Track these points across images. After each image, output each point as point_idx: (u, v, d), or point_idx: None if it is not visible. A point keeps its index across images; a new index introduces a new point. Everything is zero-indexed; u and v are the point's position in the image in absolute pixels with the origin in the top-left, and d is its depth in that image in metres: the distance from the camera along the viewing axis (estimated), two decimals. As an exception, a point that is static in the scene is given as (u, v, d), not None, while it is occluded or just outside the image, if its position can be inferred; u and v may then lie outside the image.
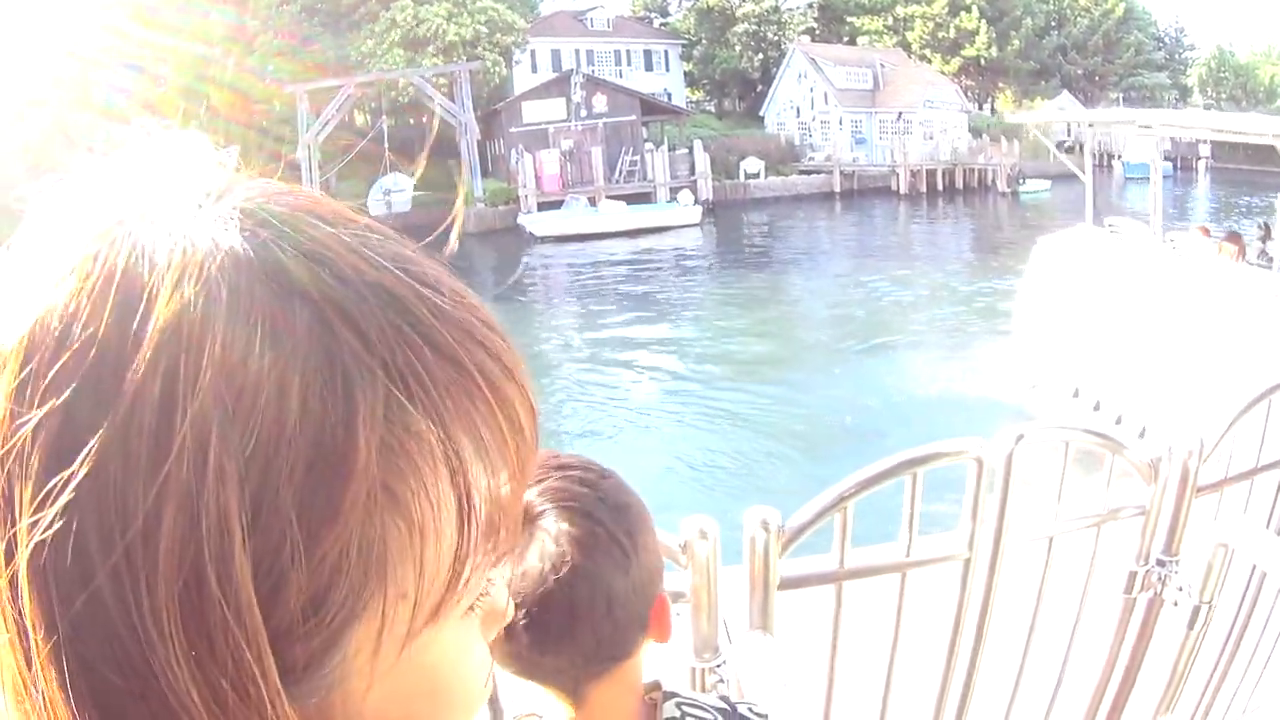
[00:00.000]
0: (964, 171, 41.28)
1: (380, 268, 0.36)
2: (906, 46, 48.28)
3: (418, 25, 35.60)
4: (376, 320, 0.34)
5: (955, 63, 50.34)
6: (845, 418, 12.69)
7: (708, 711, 0.96)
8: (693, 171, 35.83)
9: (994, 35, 51.54)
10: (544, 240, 31.25)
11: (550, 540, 0.85)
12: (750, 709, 0.99)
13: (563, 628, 0.86)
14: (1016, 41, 52.86)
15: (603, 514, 0.88)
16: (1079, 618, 1.93)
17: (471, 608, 0.43)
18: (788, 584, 1.63)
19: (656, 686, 0.97)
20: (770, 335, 18.78)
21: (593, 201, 33.59)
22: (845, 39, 47.24)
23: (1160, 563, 1.92)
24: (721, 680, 1.52)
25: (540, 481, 0.88)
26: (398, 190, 36.70)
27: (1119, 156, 44.36)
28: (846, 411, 13.11)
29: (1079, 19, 57.27)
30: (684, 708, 0.95)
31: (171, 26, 35.61)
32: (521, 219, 33.06)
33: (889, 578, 1.73)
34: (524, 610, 0.84)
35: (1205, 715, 2.25)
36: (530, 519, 0.86)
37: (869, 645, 1.75)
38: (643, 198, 34.82)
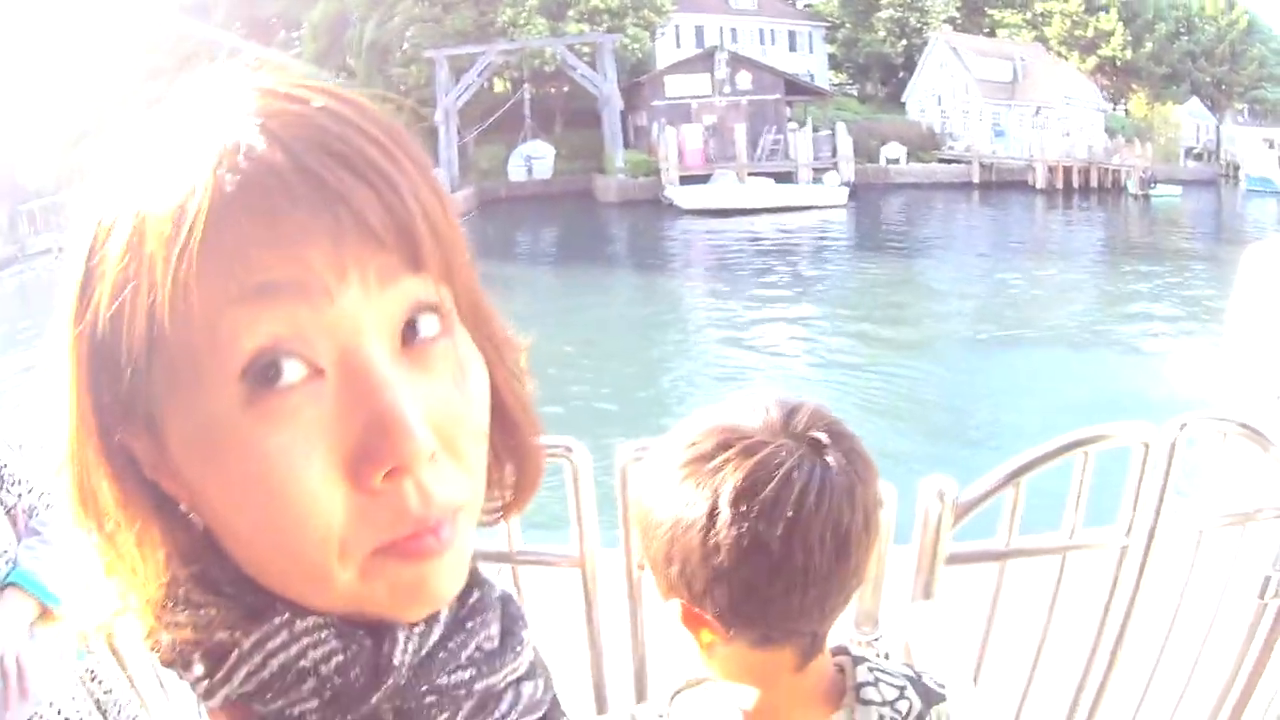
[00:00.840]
0: (1099, 171, 40.27)
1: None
2: (1044, 42, 47.24)
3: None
4: None
5: (1092, 61, 49.07)
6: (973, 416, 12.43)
7: (897, 678, 0.93)
8: (834, 153, 35.56)
9: (1129, 37, 50.15)
10: (689, 213, 31.33)
11: (811, 463, 0.81)
12: (932, 679, 0.96)
13: (829, 561, 0.81)
14: (1150, 44, 51.39)
15: (856, 443, 0.86)
16: (1215, 617, 1.85)
17: (259, 393, 0.42)
18: (954, 559, 1.58)
19: (844, 650, 0.95)
20: (904, 321, 18.69)
21: (739, 177, 33.56)
22: (985, 31, 46.41)
23: (1295, 570, 1.80)
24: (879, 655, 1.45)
25: (772, 412, 0.85)
26: (539, 157, 37.06)
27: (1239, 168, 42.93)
28: (978, 402, 13.00)
29: (1206, 27, 55.47)
30: (875, 673, 0.92)
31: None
32: (669, 191, 33.21)
33: (1040, 562, 1.69)
34: (779, 543, 0.79)
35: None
36: (777, 445, 0.82)
37: (1013, 627, 1.71)
38: (784, 177, 34.65)
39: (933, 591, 1.58)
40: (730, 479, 0.80)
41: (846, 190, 33.10)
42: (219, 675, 0.46)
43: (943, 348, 16.18)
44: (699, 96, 36.57)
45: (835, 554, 0.80)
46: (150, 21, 35.23)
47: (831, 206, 32.11)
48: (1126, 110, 51.31)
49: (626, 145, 36.36)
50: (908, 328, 18.06)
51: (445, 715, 0.49)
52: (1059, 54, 47.59)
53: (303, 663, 0.46)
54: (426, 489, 0.44)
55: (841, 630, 1.42)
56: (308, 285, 0.41)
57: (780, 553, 0.79)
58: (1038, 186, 38.13)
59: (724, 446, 0.82)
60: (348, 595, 0.45)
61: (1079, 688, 1.83)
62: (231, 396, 0.41)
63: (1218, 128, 45.56)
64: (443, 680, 0.48)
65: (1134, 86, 53.76)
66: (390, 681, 0.46)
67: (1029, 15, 48.16)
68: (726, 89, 36.64)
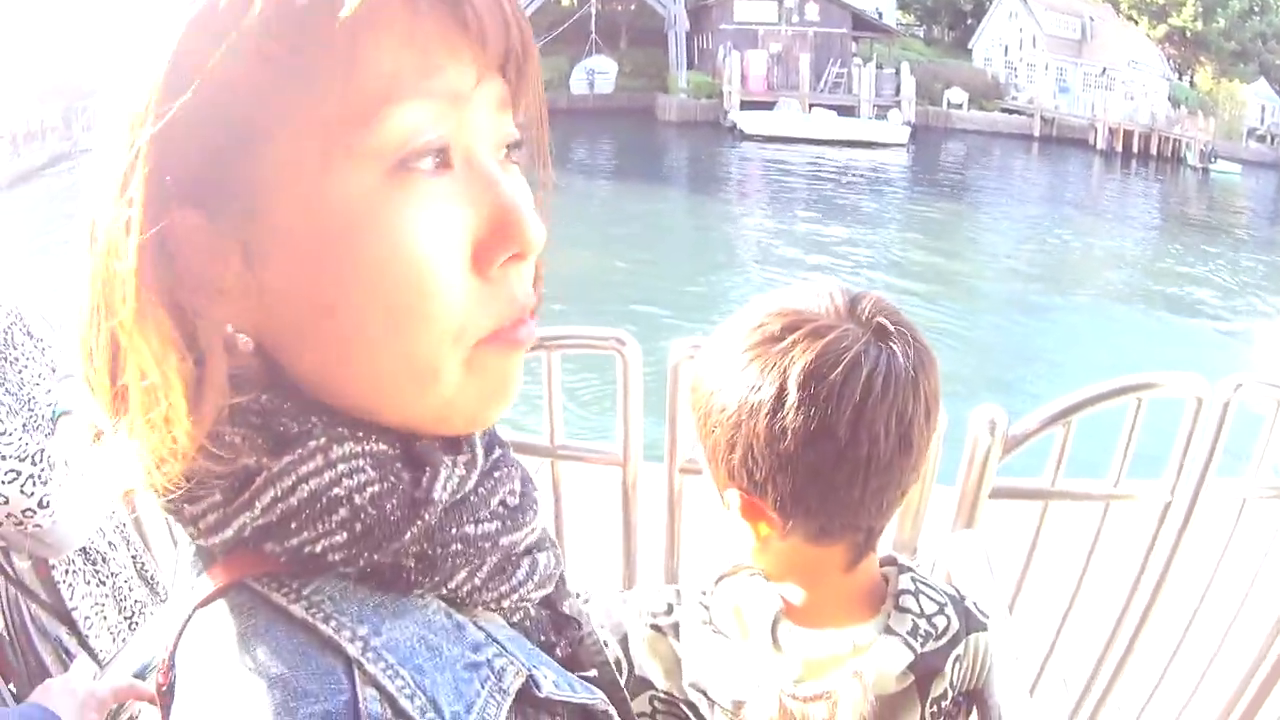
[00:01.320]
0: (1159, 138, 39.72)
1: None
2: (1115, 4, 46.36)
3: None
4: None
5: (1161, 29, 48.11)
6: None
7: (939, 595, 0.91)
8: (898, 92, 35.21)
9: (1200, 9, 49.07)
10: (751, 138, 31.25)
11: (877, 349, 0.78)
12: (975, 605, 0.94)
13: (892, 450, 0.78)
14: (1221, 20, 50.29)
15: (918, 332, 0.82)
16: (1249, 591, 1.80)
17: (416, 166, 0.43)
18: (997, 493, 1.54)
19: (892, 560, 0.94)
20: (951, 265, 18.62)
21: (803, 107, 33.43)
22: (1057, -15, 45.64)
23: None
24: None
25: (837, 298, 0.82)
26: (602, 72, 36.93)
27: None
28: (1016, 351, 12.96)
29: (1278, 9, 54.13)
30: (918, 584, 0.91)
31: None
32: (732, 115, 33.12)
33: (1082, 506, 1.65)
34: (846, 429, 0.76)
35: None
36: (844, 329, 0.78)
37: (1048, 569, 1.69)
38: (845, 111, 34.45)
39: (974, 523, 1.54)
40: (799, 360, 0.76)
41: (908, 130, 32.90)
42: (238, 502, 0.44)
43: (986, 294, 16.20)
44: (766, 24, 36.13)
45: (898, 444, 0.78)
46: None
47: (892, 145, 31.93)
48: (1192, 82, 50.38)
49: (690, 67, 36.10)
50: (953, 271, 18.00)
51: (466, 570, 0.48)
52: (1129, 17, 46.70)
53: (336, 490, 0.44)
54: (525, 279, 0.47)
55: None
56: (457, 90, 0.44)
57: (846, 438, 0.76)
58: (1097, 147, 37.67)
59: (791, 329, 0.78)
60: (445, 396, 0.46)
61: (1109, 640, 1.79)
62: (375, 179, 0.42)
63: (1285, 112, 44.68)
64: (470, 529, 0.48)
65: (1202, 60, 52.73)
66: (426, 518, 0.45)
67: (1101, -25, 47.34)
68: (794, 18, 36.20)
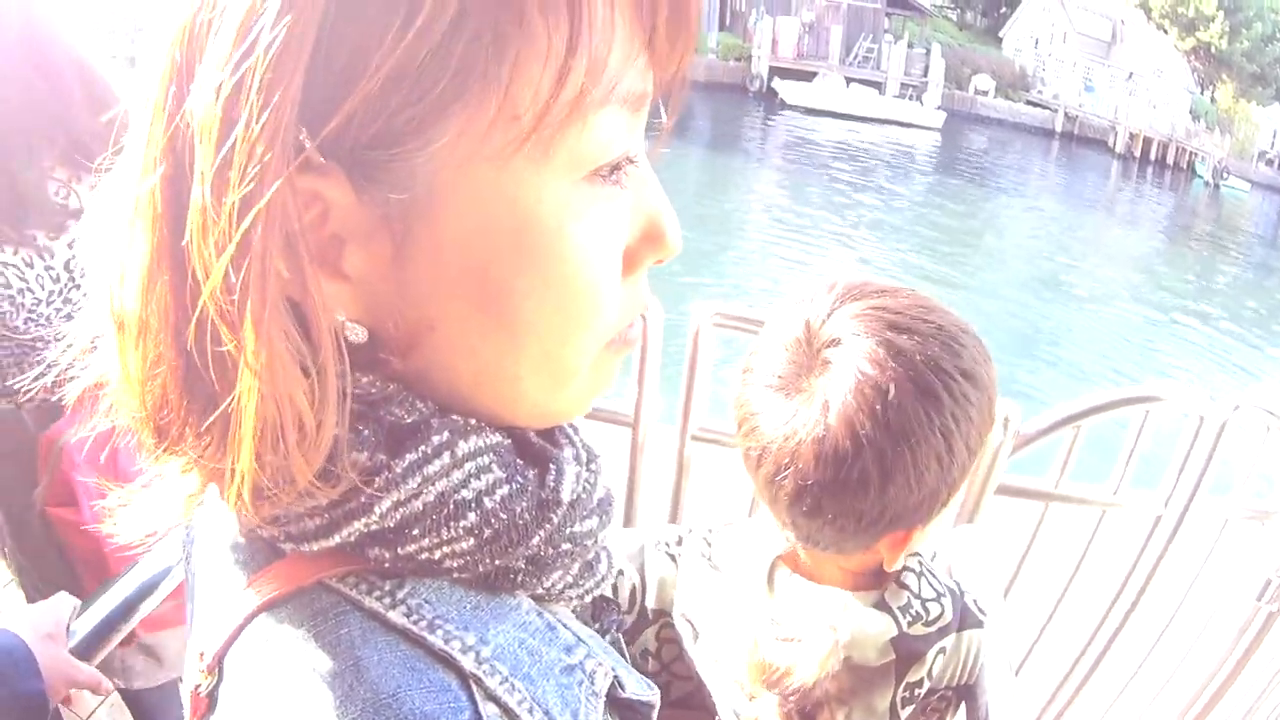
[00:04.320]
0: (1177, 149, 39.80)
1: None
2: (1146, 11, 46.27)
3: None
4: None
5: (1190, 42, 48.12)
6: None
7: (939, 584, 0.90)
8: (925, 73, 35.05)
9: (1228, 27, 49.11)
10: (792, 108, 31.07)
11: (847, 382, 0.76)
12: (975, 602, 0.93)
13: (851, 499, 0.77)
14: (1244, 41, 50.39)
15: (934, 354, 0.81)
16: (1217, 607, 1.87)
17: (601, 175, 0.40)
18: (1002, 490, 1.57)
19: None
20: (967, 253, 18.71)
21: (834, 80, 33.18)
22: (1093, -15, 45.54)
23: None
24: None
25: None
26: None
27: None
28: (1022, 348, 12.85)
29: (1298, 39, 54.35)
30: (922, 567, 0.90)
31: None
32: (776, 83, 32.88)
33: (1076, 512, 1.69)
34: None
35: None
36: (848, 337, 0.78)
37: (1036, 564, 1.72)
38: (872, 86, 34.25)
39: (977, 517, 1.55)
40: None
41: (942, 116, 32.72)
42: (349, 506, 0.38)
43: (999, 287, 16.19)
44: (801, -10, 35.79)
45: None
46: None
47: (927, 128, 31.83)
48: (1213, 98, 50.55)
49: (721, 28, 35.60)
50: (969, 260, 18.07)
51: (559, 572, 0.44)
52: (1159, 26, 46.65)
53: (464, 492, 0.39)
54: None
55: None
56: (644, 93, 0.40)
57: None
58: (1116, 150, 37.70)
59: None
60: (570, 397, 0.43)
61: (1087, 641, 1.84)
62: (567, 186, 0.38)
63: (1294, 139, 44.97)
64: (578, 526, 0.44)
65: (1224, 77, 52.92)
66: (554, 520, 0.42)
67: (1135, -21, 47.27)
68: (828, -12, 35.88)
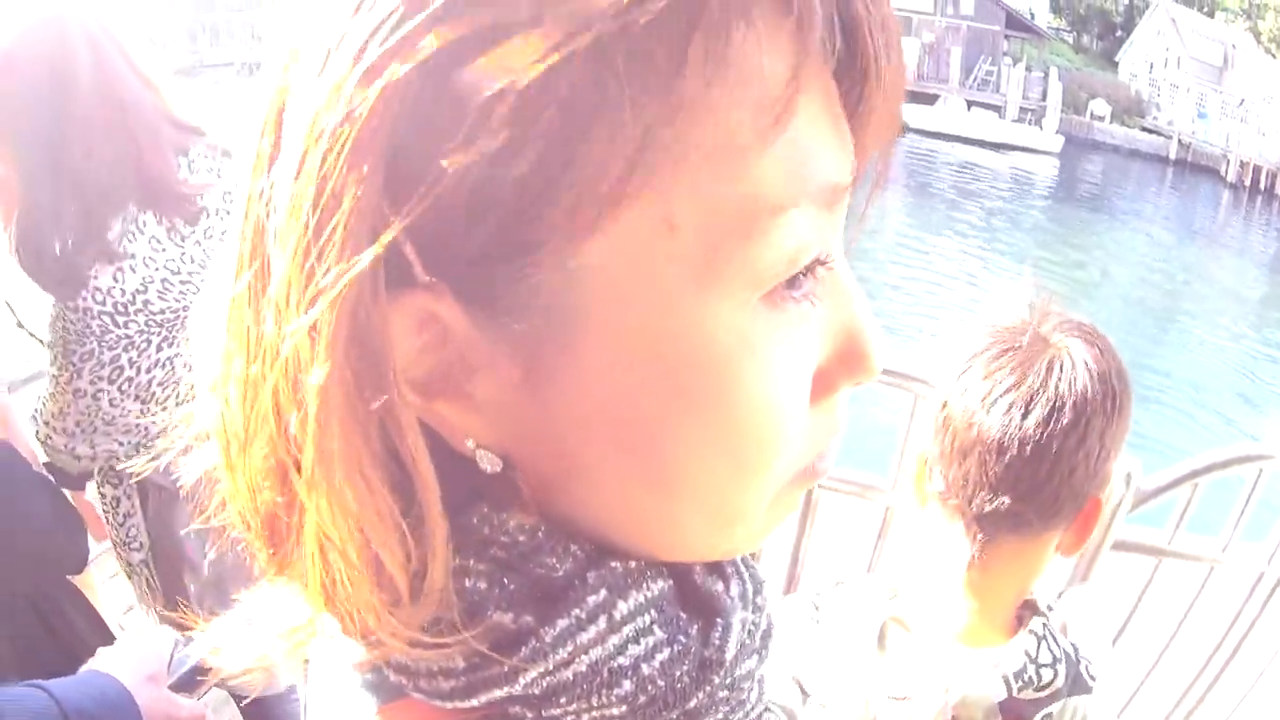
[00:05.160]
0: (1286, 177, 39.22)
1: None
2: (1256, 35, 45.57)
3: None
4: None
5: (1297, 65, 47.42)
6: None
7: (1057, 648, 0.90)
8: (1044, 97, 34.86)
9: (1337, 49, 48.14)
10: (914, 130, 31.12)
11: (1073, 362, 0.84)
12: (1087, 668, 0.91)
13: (1068, 448, 0.83)
14: (1352, 65, 49.45)
15: (1114, 357, 0.88)
16: None
17: (786, 295, 0.33)
18: (1116, 546, 1.54)
19: (1031, 604, 0.93)
20: (1081, 280, 18.58)
21: (954, 103, 33.24)
22: (1204, 9, 44.85)
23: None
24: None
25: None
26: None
27: None
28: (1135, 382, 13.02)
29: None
30: (1045, 630, 0.90)
31: None
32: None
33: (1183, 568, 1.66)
34: (1021, 431, 0.83)
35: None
36: (1046, 343, 0.86)
37: (1139, 625, 1.68)
38: (991, 109, 34.19)
39: (1091, 574, 1.52)
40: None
41: (1061, 141, 32.54)
42: (489, 673, 0.34)
43: (1110, 315, 16.09)
44: (920, 12, 35.75)
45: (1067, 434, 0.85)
46: None
47: (1046, 153, 31.71)
48: (1321, 124, 49.81)
49: (840, 47, 35.80)
50: (1082, 287, 18.00)
51: (709, 718, 0.39)
52: (1268, 51, 45.95)
53: (620, 660, 0.35)
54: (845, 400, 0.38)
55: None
56: (841, 184, 0.33)
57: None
58: (1228, 179, 37.23)
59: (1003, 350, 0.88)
60: (737, 535, 0.37)
61: (1180, 695, 1.79)
62: (744, 307, 0.31)
63: None
64: (739, 670, 0.39)
65: (1331, 102, 52.11)
66: (715, 680, 0.37)
67: (1246, 3, 46.44)
68: (948, 9, 35.87)
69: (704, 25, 0.28)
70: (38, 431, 1.53)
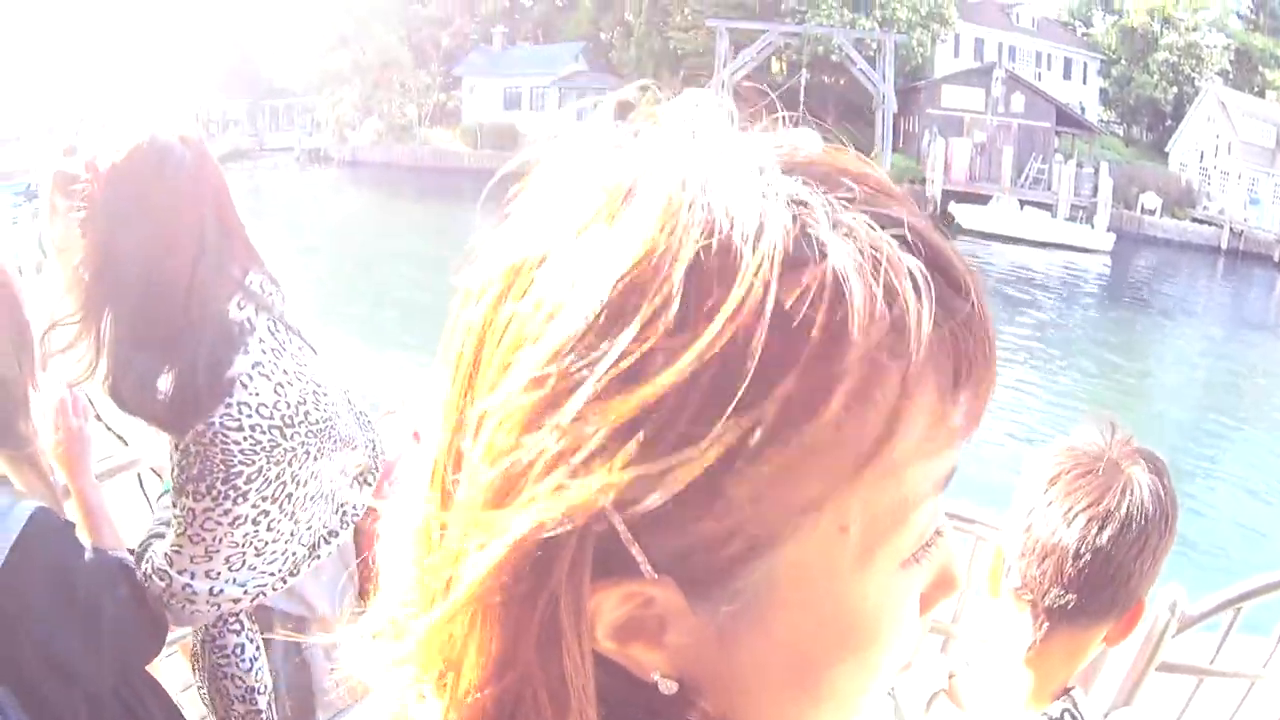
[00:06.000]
0: (1339, 260, 39.08)
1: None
2: (1308, 110, 45.43)
3: (868, -10, 35.85)
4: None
5: (1349, 140, 47.05)
6: None
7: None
8: (1094, 193, 35.06)
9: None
10: (967, 233, 31.67)
11: (1139, 486, 0.99)
12: None
13: (1129, 558, 0.98)
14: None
15: (1169, 482, 1.03)
16: None
17: (914, 558, 0.40)
18: (1160, 667, 1.60)
19: (1064, 690, 1.05)
20: (1134, 388, 19.09)
21: (1008, 203, 33.74)
22: (1255, 90, 44.71)
23: None
24: None
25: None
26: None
27: None
28: (1185, 493, 13.00)
29: None
30: (1075, 706, 1.03)
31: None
32: (952, 208, 33.52)
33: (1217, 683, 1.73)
34: (1089, 545, 0.98)
35: None
36: (1120, 469, 1.00)
37: None
38: (1043, 208, 34.67)
39: (1136, 696, 1.56)
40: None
41: (1112, 238, 32.86)
42: None
43: (1165, 424, 16.35)
44: (972, 111, 36.26)
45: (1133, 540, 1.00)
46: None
47: (1097, 252, 32.10)
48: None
49: (895, 149, 36.20)
50: (1135, 395, 18.56)
51: None
52: (1317, 126, 45.71)
53: None
54: None
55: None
56: (952, 469, 0.40)
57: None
58: (1281, 264, 37.37)
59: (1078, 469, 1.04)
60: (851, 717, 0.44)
61: None
62: (891, 575, 0.40)
63: None
64: None
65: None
66: None
67: (1297, 80, 46.18)
68: (1000, 108, 36.16)
69: (914, 401, 0.35)
70: (150, 584, 1.38)
